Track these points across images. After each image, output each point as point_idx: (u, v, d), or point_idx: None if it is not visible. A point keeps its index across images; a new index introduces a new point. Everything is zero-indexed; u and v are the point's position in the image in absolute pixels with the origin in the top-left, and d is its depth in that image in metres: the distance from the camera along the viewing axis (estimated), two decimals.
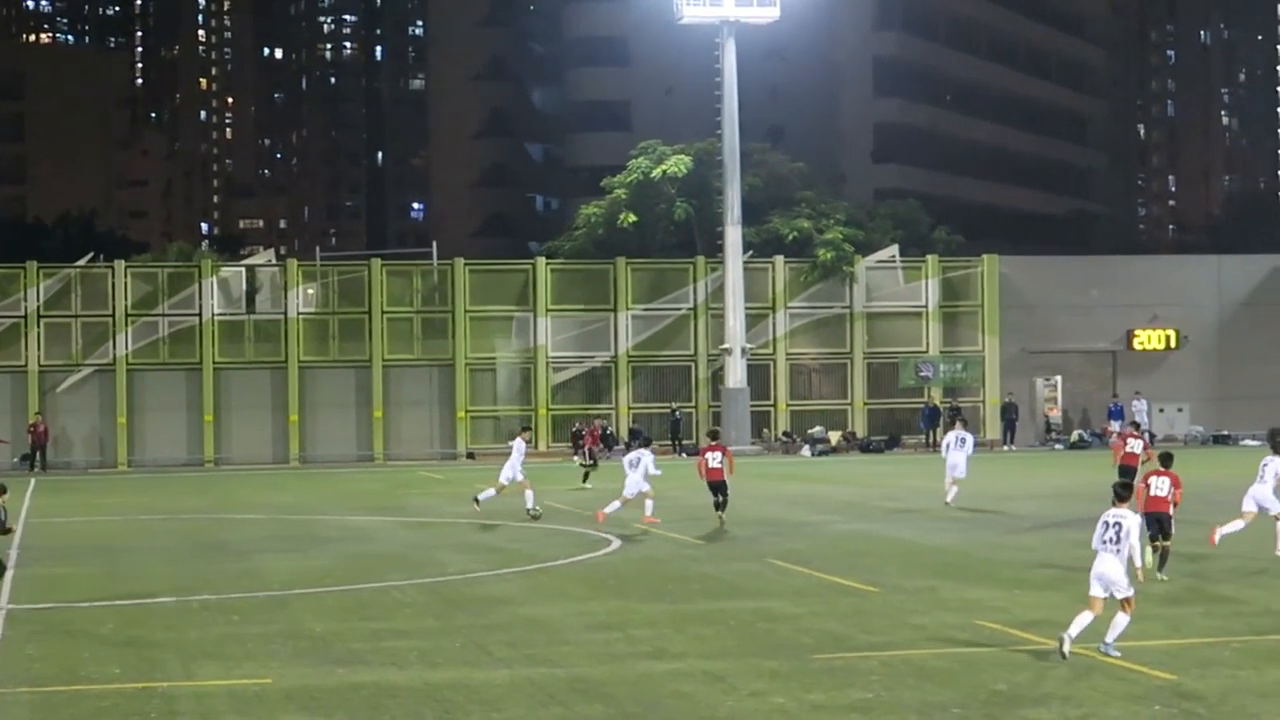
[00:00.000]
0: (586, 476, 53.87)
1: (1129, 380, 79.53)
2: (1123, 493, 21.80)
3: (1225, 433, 77.40)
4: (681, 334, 78.49)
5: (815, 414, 78.78)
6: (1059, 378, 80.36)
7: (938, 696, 18.97)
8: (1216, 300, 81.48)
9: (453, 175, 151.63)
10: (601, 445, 67.13)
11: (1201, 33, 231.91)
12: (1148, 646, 21.78)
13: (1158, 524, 28.67)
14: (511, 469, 42.90)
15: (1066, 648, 20.79)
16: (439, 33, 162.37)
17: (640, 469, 40.15)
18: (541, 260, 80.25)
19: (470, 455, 75.38)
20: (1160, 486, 28.92)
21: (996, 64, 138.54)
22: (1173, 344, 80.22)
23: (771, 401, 78.13)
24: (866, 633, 23.42)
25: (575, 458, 62.57)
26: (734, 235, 75.55)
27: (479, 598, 27.78)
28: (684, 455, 73.76)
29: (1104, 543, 21.24)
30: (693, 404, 78.06)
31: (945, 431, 76.48)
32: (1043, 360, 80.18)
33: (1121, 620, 21.16)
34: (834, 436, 76.82)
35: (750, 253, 77.78)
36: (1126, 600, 21.16)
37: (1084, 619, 20.98)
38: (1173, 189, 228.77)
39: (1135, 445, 38.23)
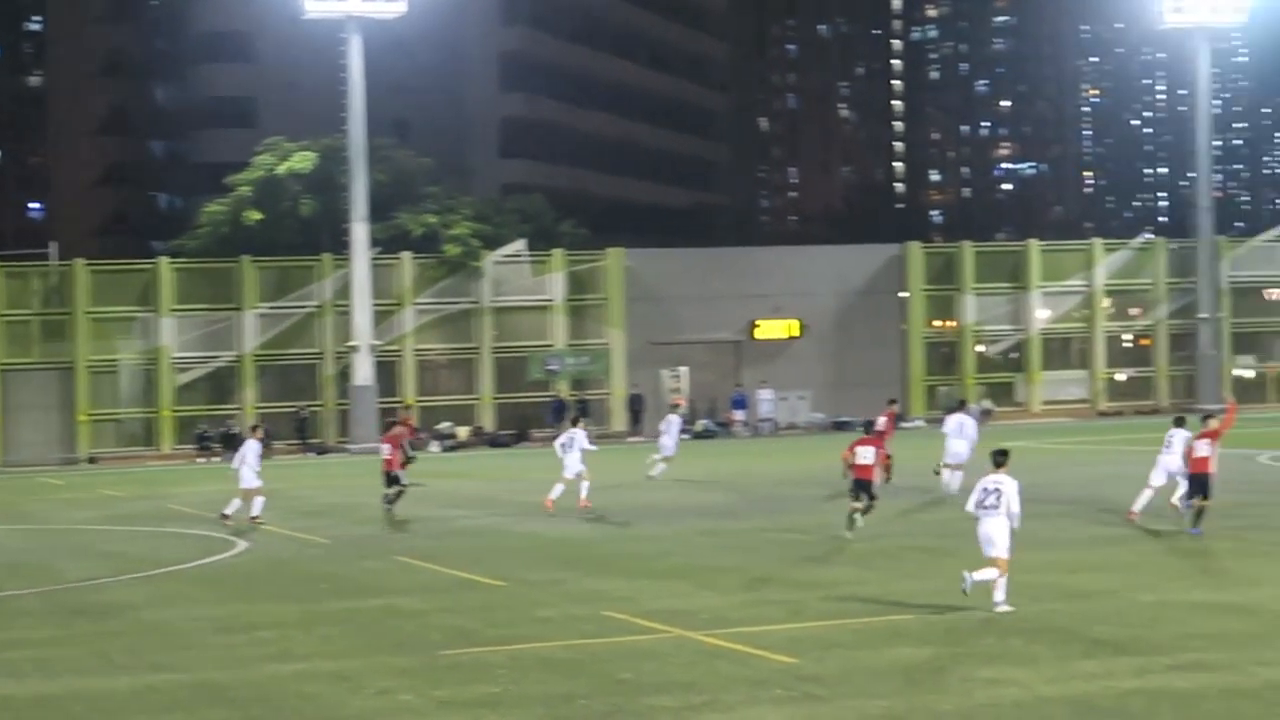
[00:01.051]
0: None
1: (753, 369, 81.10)
2: (1000, 459, 23.45)
3: (845, 419, 79.25)
4: (308, 332, 77.77)
5: (444, 409, 78.71)
6: (684, 368, 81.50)
7: (564, 688, 19.08)
8: (835, 289, 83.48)
9: (72, 174, 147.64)
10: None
11: (820, 27, 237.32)
12: (769, 631, 22.23)
13: (861, 487, 32.53)
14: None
15: (968, 586, 22.89)
16: (58, 28, 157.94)
17: (575, 450, 40.09)
18: (164, 260, 78.76)
19: (92, 460, 73.65)
20: (865, 455, 32.58)
21: (621, 58, 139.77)
22: (794, 333, 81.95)
23: (399, 398, 77.84)
24: (494, 627, 23.46)
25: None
26: (360, 232, 75.09)
27: (100, 605, 27.15)
28: (314, 455, 73.23)
29: (984, 507, 23.09)
30: (320, 402, 77.37)
31: (567, 425, 77.33)
32: (668, 351, 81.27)
33: (989, 574, 22.96)
34: (462, 432, 76.86)
35: (378, 249, 77.36)
36: (1000, 560, 22.93)
37: (990, 573, 22.99)
38: (794, 180, 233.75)
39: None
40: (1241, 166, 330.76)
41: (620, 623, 23.40)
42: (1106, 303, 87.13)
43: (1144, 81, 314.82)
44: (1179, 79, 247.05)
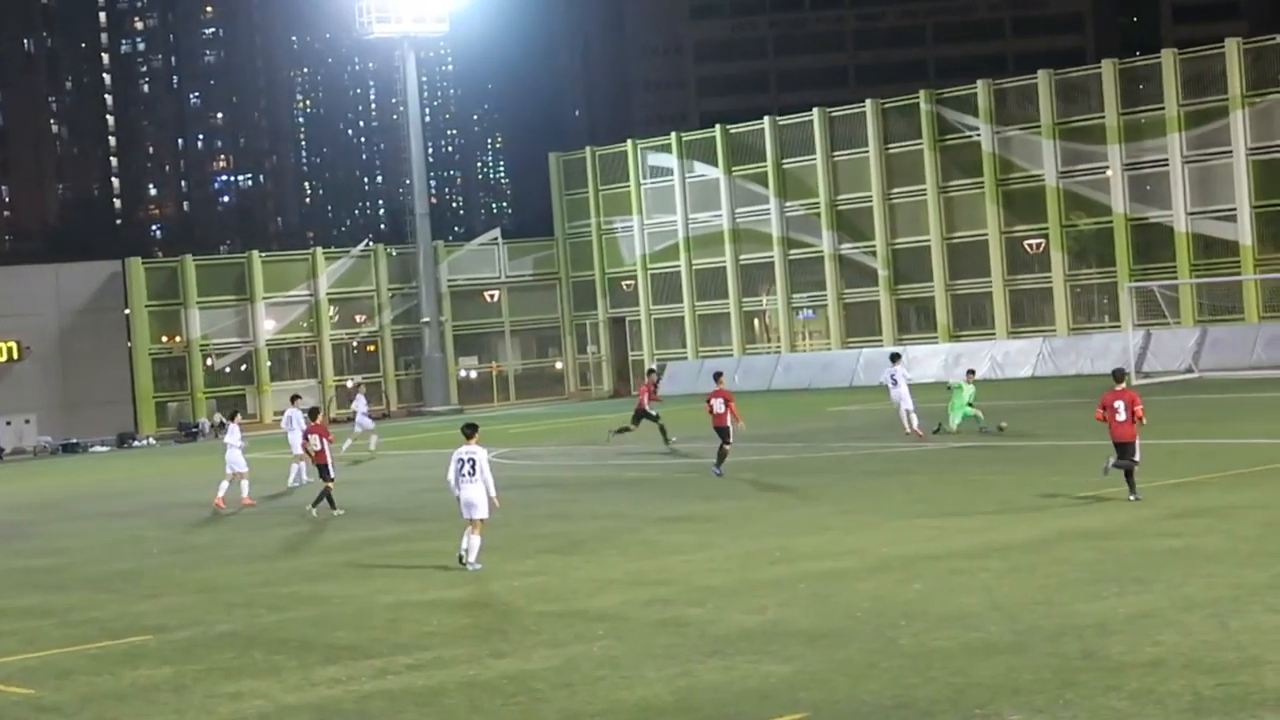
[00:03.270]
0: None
1: None
2: (470, 432, 26.46)
3: (74, 440, 77.31)
4: None
5: None
6: None
7: None
8: (56, 308, 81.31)
9: None
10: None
11: (25, 41, 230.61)
12: (4, 663, 21.53)
13: (721, 433, 38.50)
14: None
15: (467, 560, 26.13)
16: None
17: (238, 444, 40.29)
18: None
19: None
20: (718, 406, 38.74)
21: None
22: (15, 355, 79.40)
23: None
24: None
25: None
26: None
27: None
28: None
29: (463, 475, 25.94)
30: None
31: None
32: None
33: (476, 540, 26.09)
34: None
35: None
36: (481, 521, 26.01)
37: (467, 539, 26.12)
38: (7, 199, 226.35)
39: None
40: (455, 172, 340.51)
41: None
42: (332, 311, 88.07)
43: (356, 91, 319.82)
44: (389, 88, 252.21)
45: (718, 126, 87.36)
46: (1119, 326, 70.30)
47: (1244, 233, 70.05)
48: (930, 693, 16.00)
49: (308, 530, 34.65)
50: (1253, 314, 69.63)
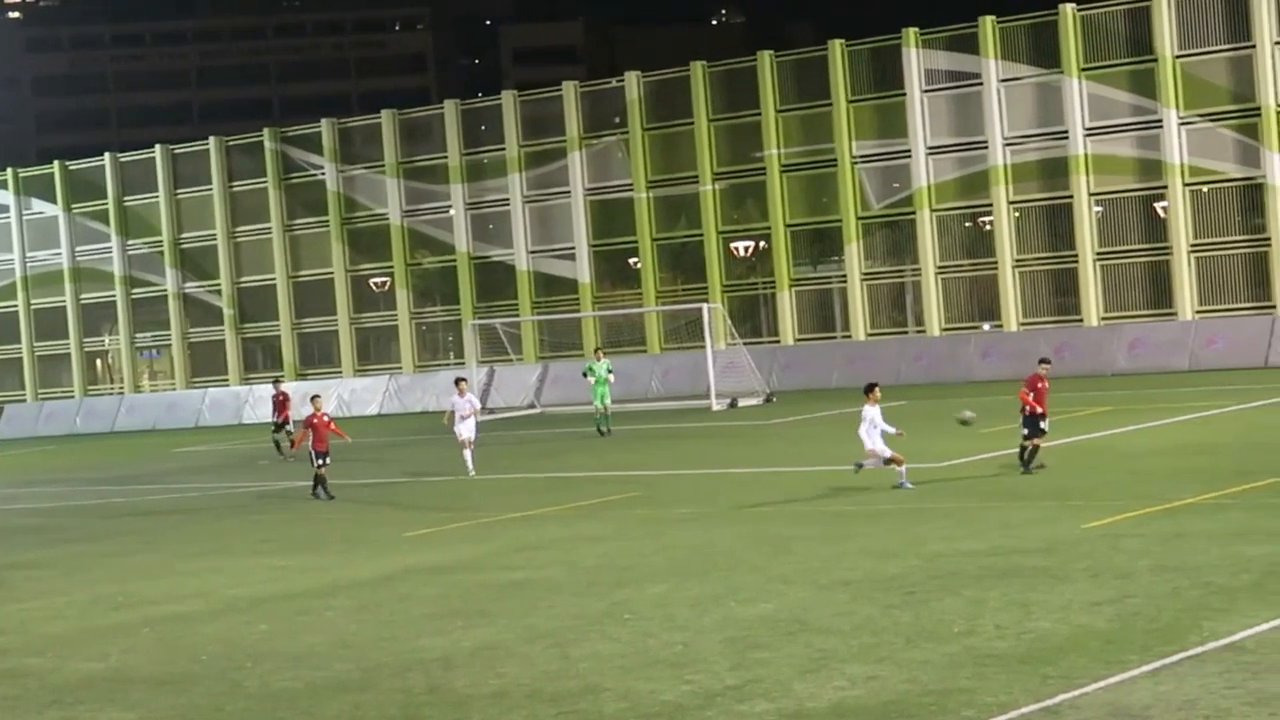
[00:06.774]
0: None
1: None
2: (871, 389, 30.54)
3: None
4: None
5: None
6: None
7: None
8: None
9: None
10: None
11: None
12: None
13: None
14: None
15: (862, 465, 30.82)
16: None
17: None
18: None
19: None
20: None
21: None
22: None
23: None
24: None
25: None
26: None
27: None
28: None
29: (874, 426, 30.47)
30: None
31: None
32: None
33: (901, 469, 30.29)
34: None
35: None
36: (894, 459, 30.32)
37: (875, 462, 30.55)
38: None
39: None
40: None
41: None
42: None
43: None
44: None
45: (57, 163, 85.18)
46: (464, 363, 71.60)
47: (582, 271, 72.40)
48: None
49: None
50: (591, 350, 71.95)
